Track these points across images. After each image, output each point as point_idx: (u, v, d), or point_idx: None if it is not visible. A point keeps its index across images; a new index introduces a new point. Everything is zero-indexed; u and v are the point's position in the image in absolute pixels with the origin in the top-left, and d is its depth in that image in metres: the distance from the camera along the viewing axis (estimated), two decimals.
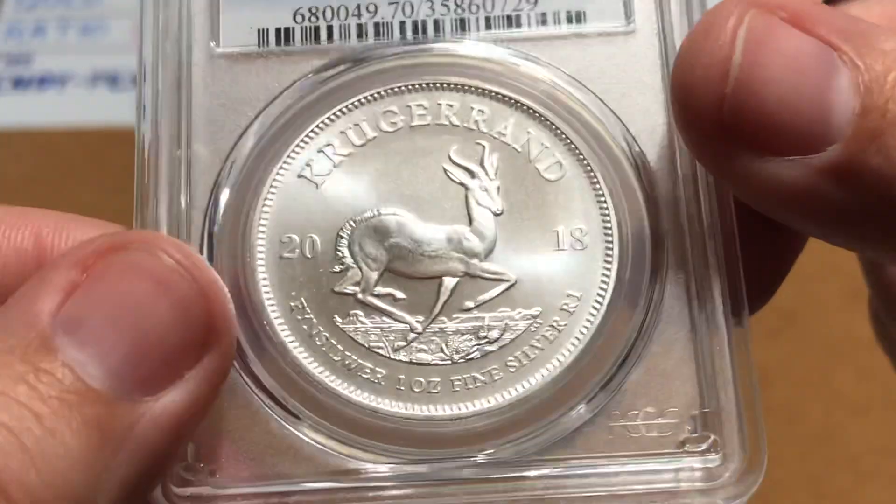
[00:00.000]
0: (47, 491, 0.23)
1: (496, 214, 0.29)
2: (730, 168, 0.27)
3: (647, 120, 0.30)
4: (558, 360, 0.29)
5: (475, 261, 0.29)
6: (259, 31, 0.31)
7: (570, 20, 0.31)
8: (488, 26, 0.31)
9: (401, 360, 0.29)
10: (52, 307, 0.25)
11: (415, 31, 0.31)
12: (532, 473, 0.28)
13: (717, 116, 0.26)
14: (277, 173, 0.29)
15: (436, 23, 0.31)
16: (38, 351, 0.24)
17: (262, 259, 0.29)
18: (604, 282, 0.29)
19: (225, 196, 0.29)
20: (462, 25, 0.31)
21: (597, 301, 0.29)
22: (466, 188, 0.29)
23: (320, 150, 0.30)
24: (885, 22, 0.31)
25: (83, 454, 0.24)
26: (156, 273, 0.25)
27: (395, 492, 0.28)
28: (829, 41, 0.26)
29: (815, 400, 0.63)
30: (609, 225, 0.29)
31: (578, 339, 0.29)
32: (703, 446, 0.28)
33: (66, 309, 0.25)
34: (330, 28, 0.31)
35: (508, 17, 0.31)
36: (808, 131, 0.26)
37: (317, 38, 0.30)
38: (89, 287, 0.25)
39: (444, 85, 0.30)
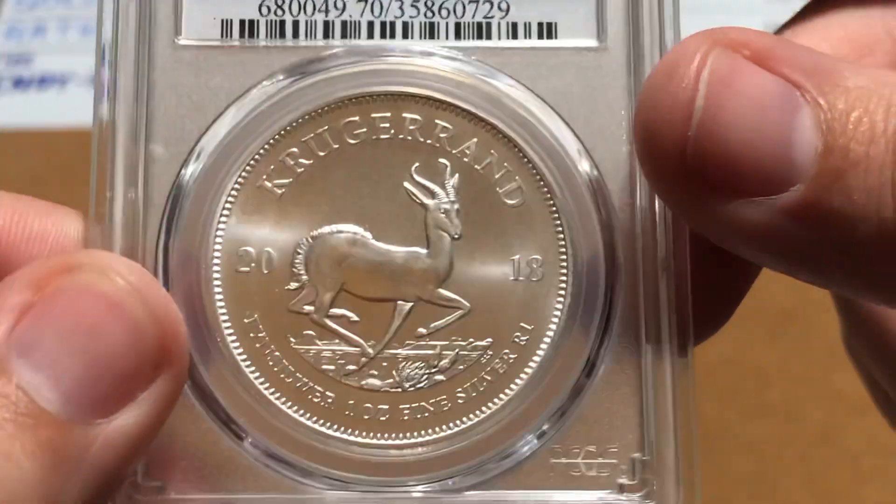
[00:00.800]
0: None
1: (454, 239, 0.29)
2: (693, 208, 0.27)
3: (611, 146, 0.29)
4: (505, 395, 0.29)
5: (430, 286, 0.29)
6: (223, 21, 0.30)
7: (540, 33, 0.30)
8: (458, 33, 0.30)
9: (351, 385, 0.28)
10: (4, 329, 0.25)
11: (382, 33, 0.30)
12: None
13: (681, 158, 0.26)
14: (237, 182, 0.29)
15: (404, 25, 0.30)
16: None
17: (217, 272, 0.28)
18: (556, 316, 0.29)
19: (182, 201, 0.29)
20: (431, 30, 0.30)
21: (548, 335, 0.29)
22: (426, 209, 0.29)
23: (281, 160, 0.29)
24: (846, 45, 0.31)
25: (38, 477, 0.24)
26: (109, 295, 0.25)
27: None
28: (791, 79, 0.26)
29: (815, 400, 0.63)
30: (565, 257, 0.29)
31: (526, 374, 0.29)
32: (641, 492, 0.28)
33: (19, 331, 0.25)
34: (296, 23, 0.30)
35: (479, 25, 0.30)
36: (772, 172, 0.26)
37: (282, 33, 0.30)
38: (43, 309, 0.25)
39: (409, 96, 0.29)
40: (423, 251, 0.29)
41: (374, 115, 0.29)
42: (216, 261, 0.28)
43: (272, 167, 0.29)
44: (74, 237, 0.29)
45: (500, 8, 0.30)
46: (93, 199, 0.28)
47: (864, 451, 0.62)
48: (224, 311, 0.28)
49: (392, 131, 0.29)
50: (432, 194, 0.29)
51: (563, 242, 0.29)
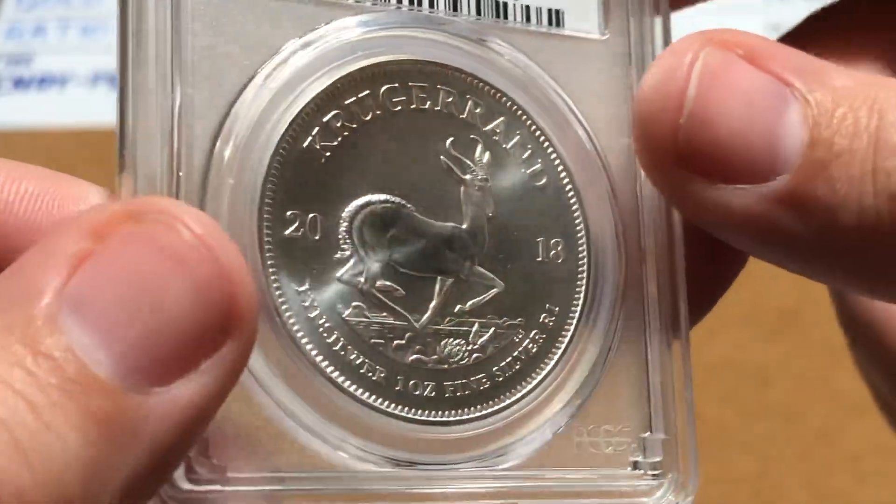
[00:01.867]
0: (40, 493, 0.21)
1: (488, 217, 0.29)
2: (683, 194, 0.28)
3: (614, 136, 0.31)
4: (536, 375, 0.29)
5: (468, 263, 0.29)
6: None
7: (550, 19, 0.31)
8: (479, 10, 0.30)
9: (400, 361, 0.28)
10: (58, 281, 0.22)
11: (410, 1, 0.29)
12: (510, 484, 0.29)
13: (672, 145, 0.28)
14: (284, 143, 0.27)
15: None
16: (40, 331, 0.22)
17: (268, 237, 0.27)
18: (576, 299, 0.30)
19: (225, 158, 0.27)
20: (455, 4, 0.30)
21: (570, 318, 0.29)
22: (463, 184, 0.29)
23: (326, 121, 0.28)
24: None
25: (83, 452, 0.21)
26: (175, 250, 0.22)
27: (394, 490, 0.28)
28: (781, 77, 0.27)
29: (815, 400, 0.63)
30: (583, 243, 0.30)
31: (554, 355, 0.29)
32: (651, 470, 0.30)
33: (73, 284, 0.22)
34: None
35: (497, 4, 0.30)
36: (759, 161, 0.27)
37: None
38: (100, 261, 0.22)
39: (442, 67, 0.29)
40: (462, 227, 0.29)
41: (411, 83, 0.29)
42: (267, 224, 0.27)
43: (317, 129, 0.28)
44: (76, 201, 0.28)
45: None
46: (117, 165, 0.26)
47: (864, 451, 0.62)
48: (276, 278, 0.27)
49: (429, 103, 0.29)
50: (467, 170, 0.29)
51: (580, 227, 0.30)
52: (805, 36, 0.34)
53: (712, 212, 0.28)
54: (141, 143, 0.26)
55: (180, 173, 0.26)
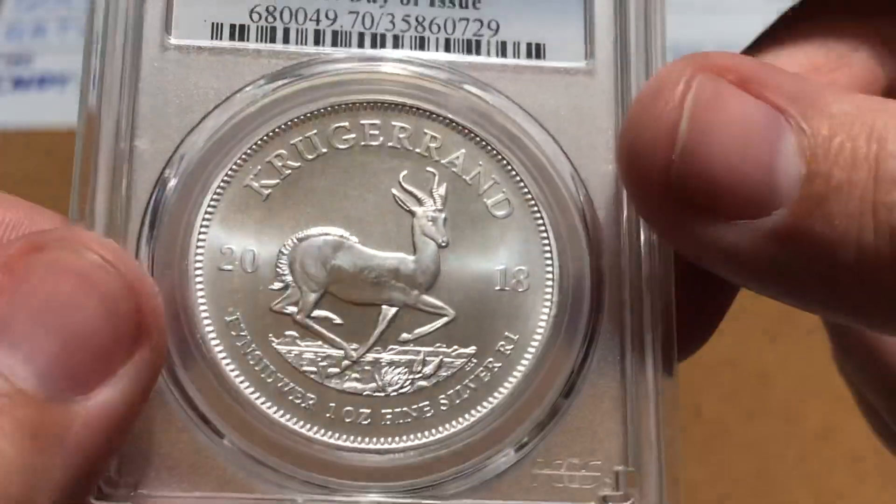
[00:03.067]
0: None
1: (441, 246, 0.29)
2: (675, 230, 0.27)
3: (598, 164, 0.30)
4: (489, 403, 0.28)
5: (416, 292, 0.29)
6: (213, 24, 0.30)
7: (529, 53, 0.30)
8: (448, 48, 0.30)
9: (333, 388, 0.28)
10: None
11: (373, 44, 0.30)
12: None
13: (664, 181, 0.26)
14: (223, 180, 0.29)
15: (395, 38, 0.30)
16: None
17: (199, 269, 0.28)
18: (541, 327, 0.29)
19: (166, 198, 0.29)
20: (421, 44, 0.30)
21: (532, 346, 0.29)
22: (413, 216, 0.29)
23: (269, 161, 0.29)
24: (808, 71, 0.31)
25: (18, 459, 0.23)
26: (80, 270, 0.25)
27: None
28: (776, 104, 0.26)
29: (815, 400, 0.63)
30: (551, 270, 0.29)
31: (511, 384, 0.29)
32: (621, 503, 0.28)
33: None
34: (286, 31, 0.30)
35: (468, 42, 0.30)
36: (755, 197, 0.26)
37: (272, 39, 0.30)
38: (13, 289, 0.24)
39: (398, 106, 0.29)
40: (410, 257, 0.29)
41: (363, 121, 0.29)
42: (199, 258, 0.28)
43: (259, 168, 0.29)
44: (29, 229, 0.29)
45: (489, 27, 0.30)
46: (74, 195, 0.28)
47: (864, 451, 0.62)
48: (205, 308, 0.28)
49: (381, 138, 0.29)
50: (420, 202, 0.29)
51: (548, 255, 0.29)
52: (796, 25, 0.33)
53: (706, 248, 0.27)
54: (90, 188, 0.28)
55: (120, 214, 0.28)
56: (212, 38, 0.30)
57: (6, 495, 0.23)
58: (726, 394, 0.63)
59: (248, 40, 0.30)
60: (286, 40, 0.30)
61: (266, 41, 0.30)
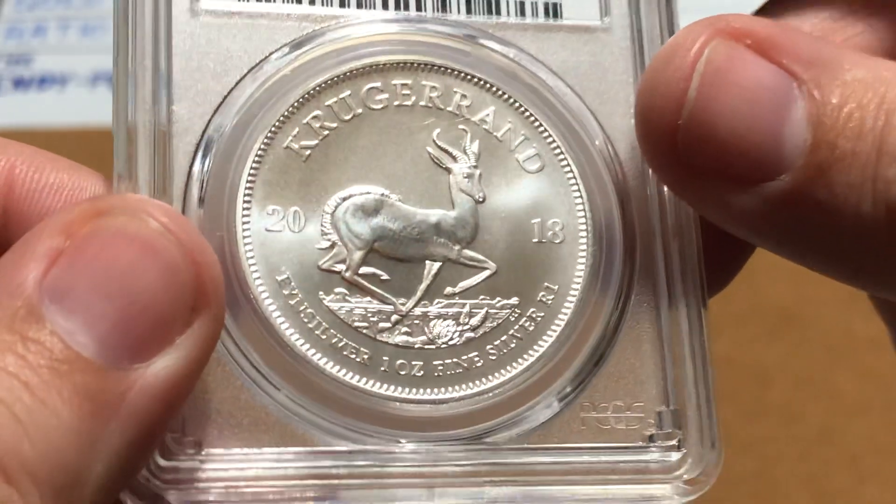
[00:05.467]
0: (41, 462, 0.23)
1: (478, 202, 0.30)
2: (685, 191, 0.28)
3: (620, 118, 0.31)
4: (535, 351, 0.29)
5: (457, 247, 0.29)
6: None
7: (546, 12, 0.31)
8: (469, 8, 0.31)
9: (385, 342, 0.29)
10: (37, 275, 0.24)
11: (397, 5, 0.30)
12: (508, 459, 0.29)
13: (671, 145, 0.27)
14: (263, 143, 0.29)
15: (418, 0, 0.31)
16: (26, 320, 0.24)
17: (247, 231, 0.28)
18: (578, 276, 0.30)
19: (208, 163, 0.29)
20: (443, 5, 0.31)
21: (571, 295, 0.29)
22: (450, 173, 0.30)
23: (306, 122, 0.29)
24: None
25: (75, 424, 0.23)
26: (142, 237, 0.25)
27: (377, 469, 0.28)
28: (790, 70, 0.27)
29: (815, 400, 0.63)
30: (584, 221, 0.30)
31: (554, 332, 0.29)
32: (669, 442, 0.29)
33: (51, 276, 0.24)
34: None
35: (488, 2, 0.31)
36: (760, 162, 0.26)
37: (299, 0, 0.30)
38: (74, 254, 0.24)
39: (427, 66, 0.30)
40: (450, 213, 0.29)
41: (394, 81, 0.30)
42: (245, 220, 0.28)
43: (297, 129, 0.29)
44: (92, 192, 0.29)
45: None
46: (119, 155, 0.28)
47: (864, 451, 0.62)
48: (256, 268, 0.28)
49: (413, 98, 0.30)
50: (455, 159, 0.30)
51: (580, 206, 0.30)
52: None
53: (713, 209, 0.28)
54: (132, 153, 0.28)
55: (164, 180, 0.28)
56: (240, 1, 0.30)
57: (63, 459, 0.23)
58: (726, 394, 0.63)
59: (275, 1, 0.30)
60: (312, 1, 0.30)
61: (294, 2, 0.30)
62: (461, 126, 0.30)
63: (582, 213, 0.30)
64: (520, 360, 0.29)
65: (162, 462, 0.27)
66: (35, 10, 0.70)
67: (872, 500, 0.62)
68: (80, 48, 0.68)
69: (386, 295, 0.29)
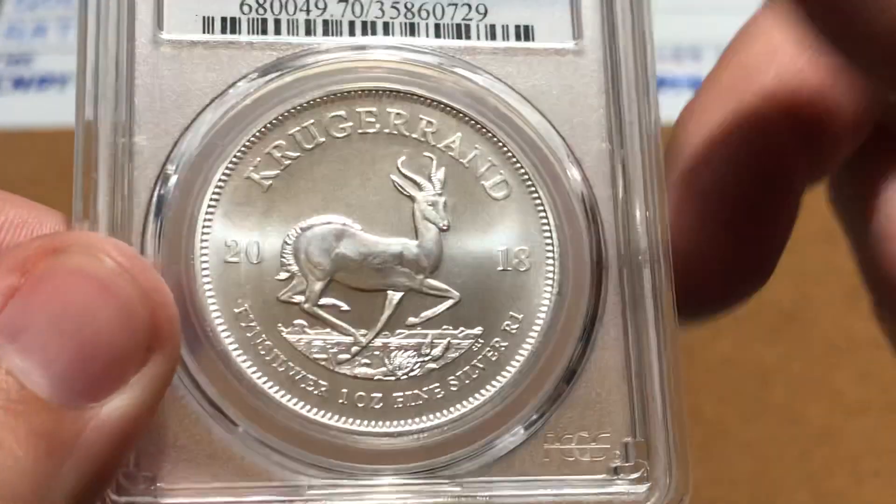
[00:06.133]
0: None
1: (442, 230, 0.29)
2: None
3: (591, 142, 0.30)
4: (498, 382, 0.29)
5: (420, 276, 0.29)
6: (205, 18, 0.30)
7: (518, 35, 0.31)
8: (437, 33, 0.31)
9: (344, 374, 0.28)
10: None
11: (363, 32, 0.30)
12: (468, 492, 0.28)
13: None
14: (223, 173, 0.29)
15: (385, 25, 0.30)
16: None
17: (206, 263, 0.28)
18: (544, 304, 0.29)
19: (168, 193, 0.29)
20: (411, 30, 0.30)
21: (537, 324, 0.29)
22: (414, 201, 0.29)
23: (268, 152, 0.29)
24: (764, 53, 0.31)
25: (31, 465, 0.23)
26: (98, 277, 0.25)
27: (335, 503, 0.28)
28: None
29: (815, 400, 0.63)
30: (551, 249, 0.29)
31: (518, 362, 0.29)
32: (634, 475, 0.29)
33: (6, 315, 0.24)
34: (277, 22, 0.30)
35: (458, 27, 0.31)
36: None
37: (264, 31, 0.30)
38: (29, 292, 0.24)
39: (393, 92, 0.30)
40: (413, 242, 0.29)
41: (358, 109, 0.30)
42: (204, 251, 0.28)
43: (259, 159, 0.29)
44: (53, 229, 0.29)
45: (478, 11, 0.31)
46: (77, 193, 0.28)
47: (864, 451, 0.62)
48: (214, 301, 0.28)
49: (378, 125, 0.30)
50: (419, 187, 0.29)
51: (548, 233, 0.30)
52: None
53: None
54: (90, 187, 0.28)
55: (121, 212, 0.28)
56: (204, 32, 0.30)
57: (19, 499, 0.23)
58: (726, 394, 0.63)
59: (239, 33, 0.30)
60: (277, 31, 0.30)
61: (258, 33, 0.30)
62: (426, 153, 0.30)
63: (549, 241, 0.30)
64: (482, 392, 0.29)
65: (115, 497, 0.27)
66: (35, 10, 0.70)
67: (872, 500, 0.62)
68: None
69: (346, 326, 0.29)
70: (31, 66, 0.68)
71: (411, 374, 0.29)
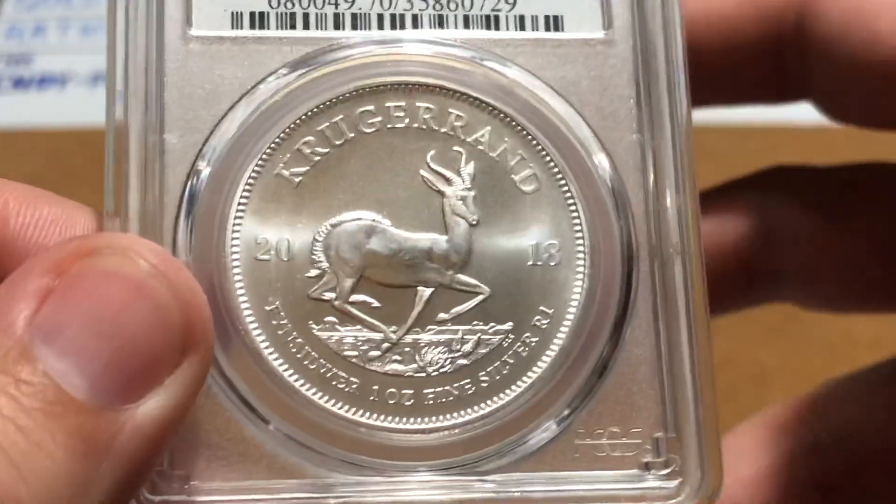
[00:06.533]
0: None
1: (472, 225, 0.29)
2: None
3: (621, 133, 0.30)
4: (529, 378, 0.29)
5: (450, 272, 0.29)
6: (233, 13, 0.30)
7: (547, 25, 0.31)
8: (466, 25, 0.30)
9: (375, 371, 0.28)
10: (28, 314, 0.24)
11: (392, 24, 0.30)
12: (500, 488, 0.28)
13: None
14: (253, 170, 0.29)
15: (414, 18, 0.30)
16: (17, 361, 0.24)
17: (236, 260, 0.28)
18: (574, 299, 0.29)
19: (198, 190, 0.29)
20: (440, 22, 0.30)
21: (567, 319, 0.29)
22: (443, 196, 0.29)
23: (297, 148, 0.29)
24: None
25: (69, 466, 0.23)
26: (132, 278, 0.25)
27: (367, 500, 0.28)
28: None
29: None
30: (581, 243, 0.29)
31: (549, 357, 0.29)
32: (665, 470, 0.29)
33: (41, 316, 0.24)
34: (306, 16, 0.30)
35: (487, 18, 0.30)
36: None
37: (292, 25, 0.30)
38: (64, 294, 0.24)
39: (422, 86, 0.30)
40: (442, 237, 0.29)
41: (388, 104, 0.29)
42: (235, 249, 0.28)
43: (288, 156, 0.29)
44: (85, 227, 0.29)
45: (507, 1, 0.31)
46: (108, 191, 0.28)
47: None
48: (245, 298, 0.28)
49: (407, 120, 0.29)
50: (449, 182, 0.29)
51: (578, 227, 0.29)
52: None
53: None
54: (121, 187, 0.28)
55: (154, 210, 0.28)
56: (233, 28, 0.30)
57: (57, 500, 0.23)
58: (726, 394, 0.63)
59: (268, 28, 0.30)
60: (306, 26, 0.30)
61: (286, 28, 0.30)
62: (456, 147, 0.29)
63: (580, 235, 0.29)
64: (513, 387, 0.29)
65: (150, 496, 0.27)
66: (35, 10, 0.69)
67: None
68: (80, 48, 0.68)
69: (376, 323, 0.29)
70: (30, 66, 0.68)
71: (442, 370, 0.29)
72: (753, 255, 0.36)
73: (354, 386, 0.28)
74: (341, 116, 0.29)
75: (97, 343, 0.24)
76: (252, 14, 0.30)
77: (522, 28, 0.31)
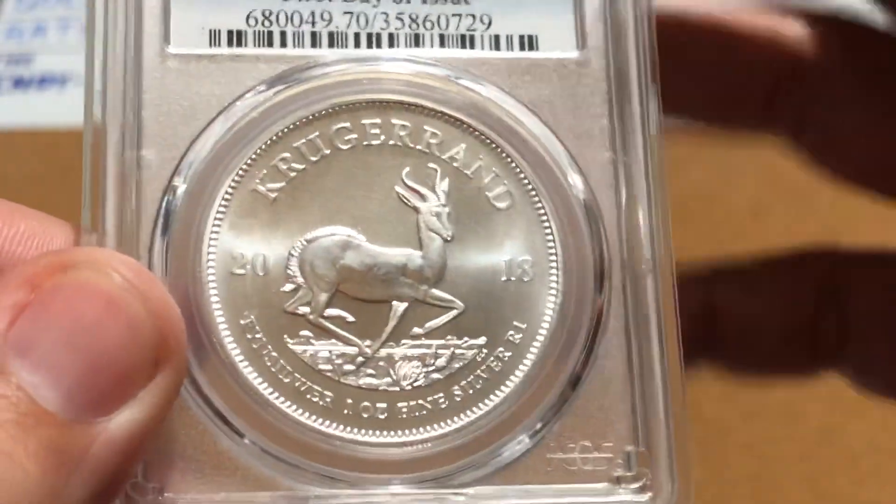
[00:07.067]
0: None
1: (446, 241, 0.29)
2: None
3: (595, 152, 0.30)
4: (501, 391, 0.29)
5: (425, 287, 0.29)
6: (211, 31, 0.30)
7: (522, 45, 0.31)
8: (442, 44, 0.31)
9: (349, 385, 0.29)
10: (1, 328, 0.24)
11: (369, 43, 0.31)
12: (473, 501, 0.29)
13: None
14: (230, 186, 0.29)
15: (390, 36, 0.31)
16: None
17: (212, 275, 0.29)
18: (547, 315, 0.29)
19: (175, 205, 0.29)
20: (416, 41, 0.31)
21: (540, 334, 0.29)
22: (418, 212, 0.30)
23: (274, 164, 0.29)
24: None
25: (41, 478, 0.23)
26: (106, 292, 0.25)
27: None
28: None
29: (815, 400, 0.63)
30: (554, 259, 0.30)
31: (521, 372, 0.29)
32: (636, 484, 0.29)
33: (16, 330, 0.24)
34: (283, 34, 0.30)
35: (462, 37, 0.31)
36: None
37: (269, 43, 0.30)
38: (39, 308, 0.25)
39: (397, 104, 0.30)
40: (417, 253, 0.29)
41: (364, 121, 0.30)
42: (211, 263, 0.29)
43: (265, 171, 0.29)
44: (62, 241, 0.29)
45: (482, 21, 0.31)
46: (85, 206, 0.28)
47: (864, 451, 0.62)
48: (220, 312, 0.28)
49: (382, 137, 0.30)
50: (423, 198, 0.30)
51: (552, 244, 0.30)
52: None
53: None
54: (98, 202, 0.28)
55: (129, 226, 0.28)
56: (210, 46, 0.30)
57: None
58: (726, 394, 0.63)
59: (245, 45, 0.30)
60: (283, 44, 0.30)
61: (264, 45, 0.30)
62: (430, 164, 0.30)
63: (553, 251, 0.30)
64: (486, 401, 0.29)
65: None
66: (35, 10, 0.69)
67: (872, 500, 0.62)
68: (80, 48, 0.68)
69: (351, 337, 0.29)
70: (30, 66, 0.68)
71: (416, 384, 0.29)
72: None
73: (329, 399, 0.29)
74: (317, 133, 0.30)
75: (71, 357, 0.24)
76: (230, 32, 0.30)
77: (497, 47, 0.31)
